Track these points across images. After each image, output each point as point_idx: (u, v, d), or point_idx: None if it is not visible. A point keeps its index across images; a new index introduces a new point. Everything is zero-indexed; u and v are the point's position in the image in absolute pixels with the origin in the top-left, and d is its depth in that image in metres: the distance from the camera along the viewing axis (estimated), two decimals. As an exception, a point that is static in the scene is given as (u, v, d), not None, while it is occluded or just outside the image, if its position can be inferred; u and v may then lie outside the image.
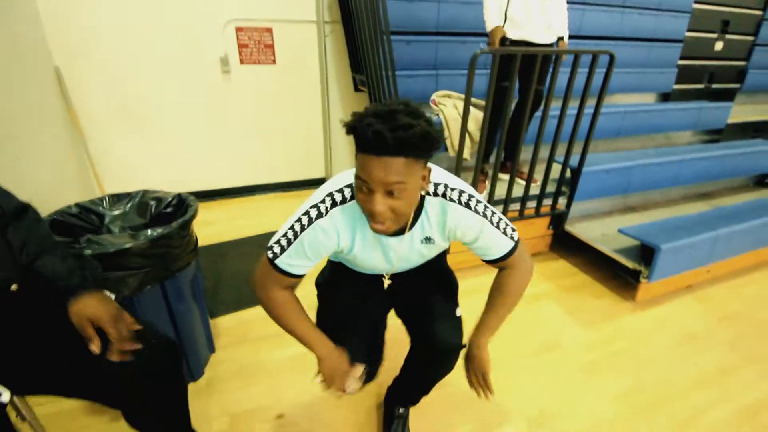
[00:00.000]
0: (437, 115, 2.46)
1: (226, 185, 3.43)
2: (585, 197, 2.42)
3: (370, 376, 1.17)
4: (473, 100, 2.43)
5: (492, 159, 2.47)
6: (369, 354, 1.19)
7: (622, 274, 2.28)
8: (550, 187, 2.31)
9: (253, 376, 1.62)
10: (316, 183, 3.69)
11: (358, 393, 1.08)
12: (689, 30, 3.76)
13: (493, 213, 0.95)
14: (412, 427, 1.41)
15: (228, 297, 2.09)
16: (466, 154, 2.39)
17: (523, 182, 2.25)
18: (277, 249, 0.93)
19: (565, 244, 2.57)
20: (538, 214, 2.31)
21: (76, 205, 1.50)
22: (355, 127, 0.74)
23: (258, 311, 1.98)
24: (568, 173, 2.31)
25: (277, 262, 0.94)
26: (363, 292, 1.18)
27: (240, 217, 3.05)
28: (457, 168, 1.97)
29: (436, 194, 0.92)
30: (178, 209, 1.55)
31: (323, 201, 0.91)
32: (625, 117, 3.08)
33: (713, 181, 3.04)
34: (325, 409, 1.49)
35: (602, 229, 2.46)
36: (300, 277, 0.98)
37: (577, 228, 2.46)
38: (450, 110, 2.44)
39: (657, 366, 1.74)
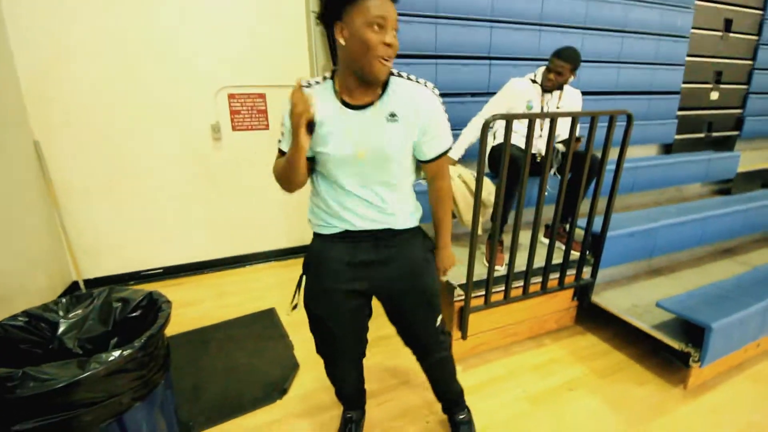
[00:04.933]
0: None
1: (216, 256, 3.18)
2: (608, 264, 2.20)
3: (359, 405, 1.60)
4: (467, 171, 2.28)
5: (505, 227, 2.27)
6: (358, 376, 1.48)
7: (664, 353, 2.02)
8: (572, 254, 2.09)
9: None
10: (313, 249, 3.45)
11: None
12: (685, 82, 3.76)
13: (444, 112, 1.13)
14: None
15: (209, 402, 1.76)
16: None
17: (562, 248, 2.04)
18: (280, 137, 1.14)
19: (591, 316, 2.31)
20: (561, 286, 2.08)
21: (24, 313, 1.25)
22: None
23: (246, 422, 1.68)
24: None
25: (282, 147, 1.12)
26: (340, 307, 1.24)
27: (229, 294, 2.77)
28: (472, 241, 1.76)
29: (400, 76, 1.09)
30: (147, 312, 1.30)
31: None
32: (637, 172, 2.95)
33: (736, 236, 2.85)
34: None
35: (631, 299, 2.22)
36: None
37: (604, 298, 2.22)
38: (457, 183, 2.25)
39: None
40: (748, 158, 4.15)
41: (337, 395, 1.51)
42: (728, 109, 4.24)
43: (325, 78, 1.09)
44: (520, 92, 2.19)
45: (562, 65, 2.08)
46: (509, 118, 1.62)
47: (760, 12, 4.10)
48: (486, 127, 1.58)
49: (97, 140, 2.63)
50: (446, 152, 1.17)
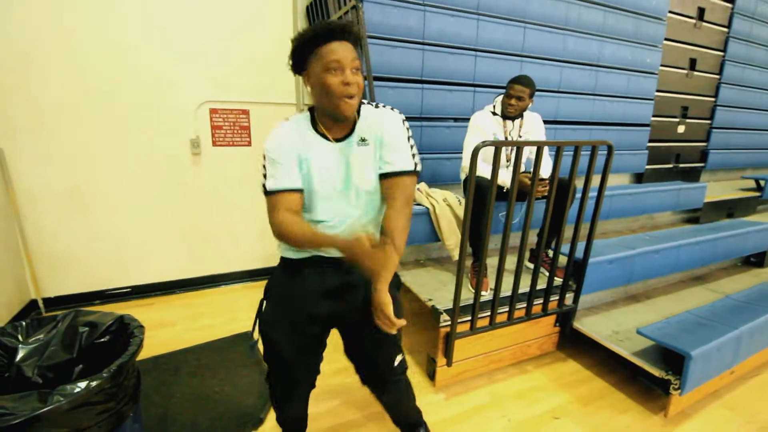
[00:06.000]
0: (425, 205, 2.28)
1: (190, 275, 3.05)
2: (589, 290, 2.23)
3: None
4: (452, 195, 2.31)
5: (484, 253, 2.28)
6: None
7: (643, 380, 2.03)
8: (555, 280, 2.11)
9: None
10: (292, 269, 3.36)
11: None
12: (654, 115, 3.96)
13: (410, 137, 1.15)
14: None
15: (179, 434, 1.65)
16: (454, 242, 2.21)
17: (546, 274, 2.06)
18: (263, 180, 1.09)
19: (572, 341, 2.32)
20: (545, 311, 2.08)
21: (-23, 338, 1.13)
22: (314, 33, 0.99)
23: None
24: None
25: (267, 187, 1.07)
26: (301, 342, 1.21)
27: (203, 315, 2.64)
28: (459, 267, 1.74)
29: (369, 104, 1.15)
30: (117, 338, 1.21)
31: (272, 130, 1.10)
32: (612, 200, 3.04)
33: (707, 264, 2.96)
34: None
35: (611, 325, 2.24)
36: (291, 190, 1.07)
37: (585, 324, 2.24)
38: (442, 207, 2.25)
39: None
40: (712, 189, 4.38)
41: (279, 422, 1.41)
42: (694, 142, 4.49)
43: (302, 111, 1.15)
44: (485, 127, 2.21)
45: (522, 90, 2.11)
46: (517, 145, 1.65)
47: (721, 53, 4.41)
48: (476, 152, 1.59)
49: (66, 148, 2.52)
50: (403, 174, 1.10)
